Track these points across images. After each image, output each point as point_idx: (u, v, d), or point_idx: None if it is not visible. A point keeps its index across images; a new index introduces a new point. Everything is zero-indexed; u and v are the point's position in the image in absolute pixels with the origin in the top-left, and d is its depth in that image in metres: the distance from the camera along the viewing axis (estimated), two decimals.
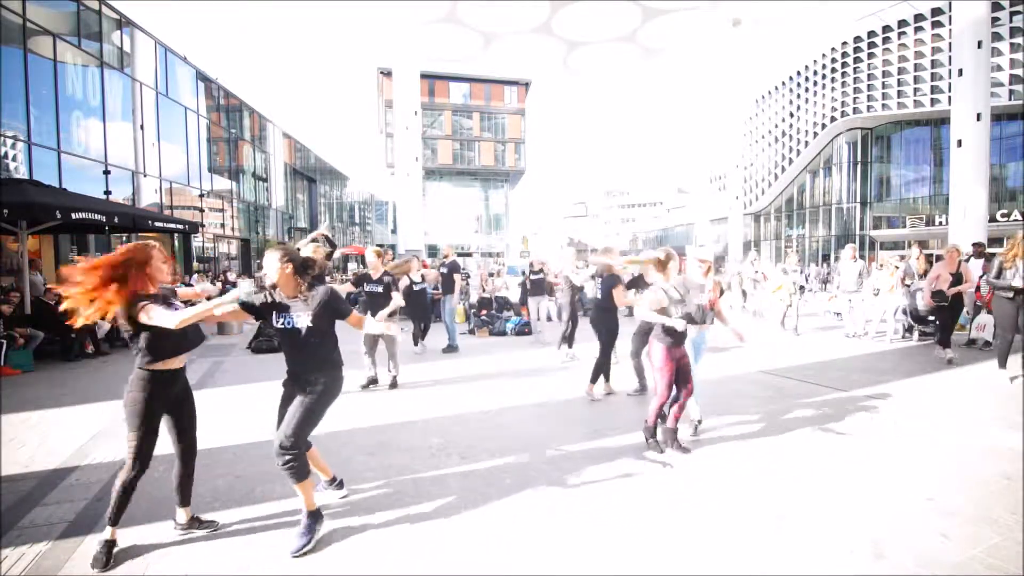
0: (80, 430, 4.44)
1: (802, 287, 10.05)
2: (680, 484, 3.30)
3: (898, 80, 34.19)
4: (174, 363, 2.65)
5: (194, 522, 2.76)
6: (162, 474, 3.48)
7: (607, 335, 5.32)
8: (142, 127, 16.64)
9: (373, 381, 5.84)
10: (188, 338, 2.66)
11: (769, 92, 45.25)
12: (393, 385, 5.83)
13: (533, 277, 9.52)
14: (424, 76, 24.44)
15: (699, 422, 4.22)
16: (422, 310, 8.32)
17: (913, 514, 2.86)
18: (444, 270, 8.56)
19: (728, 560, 2.48)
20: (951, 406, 4.89)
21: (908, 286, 8.55)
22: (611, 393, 5.45)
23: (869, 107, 36.00)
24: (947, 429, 4.26)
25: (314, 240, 5.46)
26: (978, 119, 14.17)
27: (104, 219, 8.08)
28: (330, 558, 2.52)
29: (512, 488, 3.25)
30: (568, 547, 2.60)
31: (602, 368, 5.33)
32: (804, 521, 2.81)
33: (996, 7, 25.61)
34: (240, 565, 2.47)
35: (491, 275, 14.10)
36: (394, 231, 33.11)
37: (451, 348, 8.11)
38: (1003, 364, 5.79)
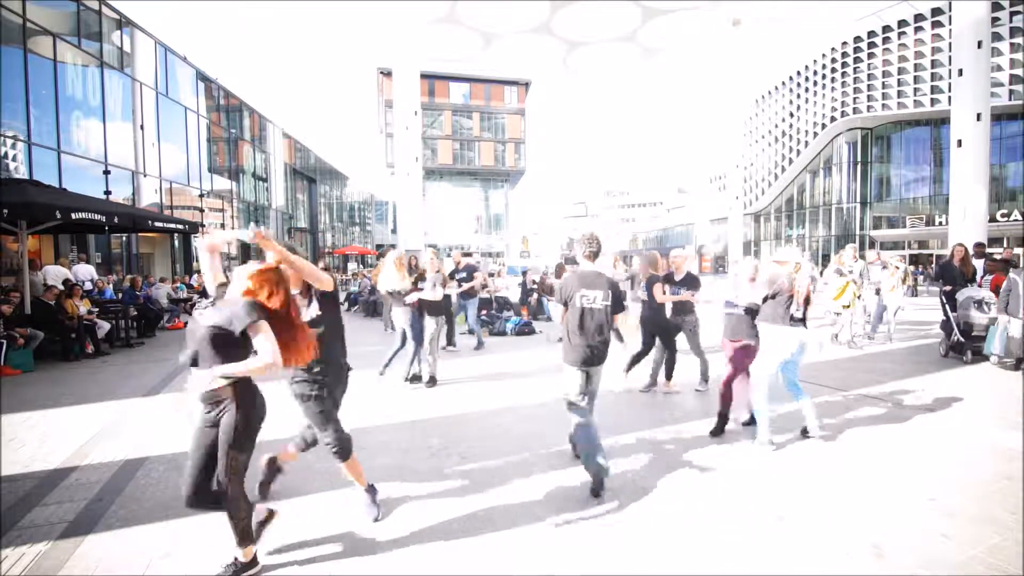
0: (80, 430, 4.44)
1: (858, 294, 8.38)
2: (680, 484, 3.30)
3: (898, 80, 34.21)
4: None
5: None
6: (162, 475, 3.48)
7: (664, 333, 5.43)
8: (142, 127, 16.65)
9: (417, 378, 6.01)
10: None
11: (769, 92, 45.28)
12: (431, 383, 5.91)
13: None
14: (424, 76, 24.42)
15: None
16: (447, 310, 8.49)
17: (913, 514, 2.87)
18: (463, 274, 8.59)
19: (728, 560, 2.47)
20: (951, 406, 4.89)
21: (949, 291, 7.19)
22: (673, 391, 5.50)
23: (869, 107, 36.03)
24: (947, 429, 4.26)
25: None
26: (978, 119, 14.15)
27: (104, 219, 8.08)
28: (329, 559, 2.52)
29: (512, 488, 3.25)
30: (568, 547, 2.60)
31: (672, 364, 5.46)
32: (804, 521, 2.81)
33: (996, 7, 25.61)
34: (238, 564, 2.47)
35: (491, 275, 14.09)
36: (394, 231, 33.12)
37: (480, 345, 8.46)
38: None
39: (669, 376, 5.49)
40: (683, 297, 5.28)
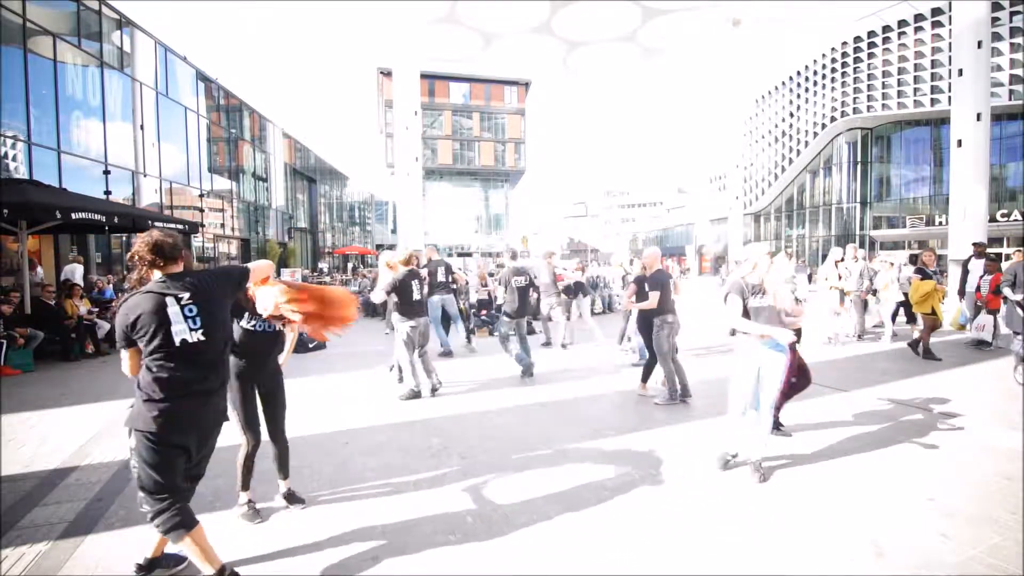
0: (80, 430, 4.44)
1: (943, 296, 7.21)
2: (679, 484, 3.30)
3: (898, 80, 34.20)
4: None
5: (291, 496, 3.06)
6: None
7: (649, 336, 5.30)
8: (142, 127, 16.63)
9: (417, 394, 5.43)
10: None
11: (769, 92, 45.26)
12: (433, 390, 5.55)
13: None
14: (424, 76, 24.41)
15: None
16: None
17: (913, 514, 2.87)
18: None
19: (729, 560, 2.48)
20: (951, 406, 4.89)
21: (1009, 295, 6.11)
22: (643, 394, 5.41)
23: (869, 107, 36.02)
24: (947, 429, 4.26)
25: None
26: (978, 119, 14.13)
27: (104, 219, 8.08)
28: (329, 558, 2.53)
29: (512, 488, 3.25)
30: (568, 547, 2.60)
31: (652, 367, 5.37)
32: (804, 521, 2.81)
33: (996, 7, 25.60)
34: (239, 565, 2.47)
35: (491, 275, 14.08)
36: (394, 231, 33.11)
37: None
38: None
39: (645, 378, 5.40)
40: (645, 306, 5.14)
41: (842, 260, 8.70)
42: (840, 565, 2.42)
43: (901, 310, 8.55)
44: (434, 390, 5.56)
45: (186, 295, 2.15)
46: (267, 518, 2.91)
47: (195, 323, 2.14)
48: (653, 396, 5.24)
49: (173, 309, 2.12)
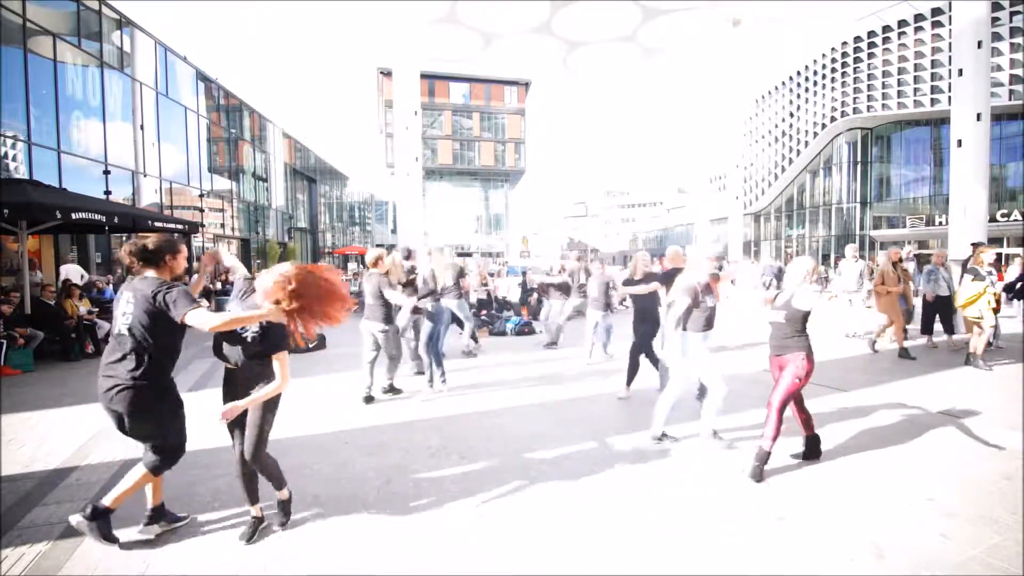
0: (80, 430, 4.43)
1: (998, 300, 6.64)
2: (680, 484, 3.30)
3: (898, 80, 34.23)
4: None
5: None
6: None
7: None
8: (142, 127, 16.63)
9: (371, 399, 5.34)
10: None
11: (769, 92, 45.29)
12: (394, 391, 5.51)
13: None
14: (424, 76, 24.38)
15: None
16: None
17: (913, 514, 2.87)
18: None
19: (729, 560, 2.48)
20: (950, 406, 4.89)
21: None
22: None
23: (869, 107, 36.04)
24: (946, 429, 4.26)
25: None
26: (978, 119, 14.11)
27: (104, 219, 8.08)
28: (330, 557, 2.52)
29: (512, 488, 3.25)
30: (568, 547, 2.60)
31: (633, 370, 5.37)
32: (804, 522, 2.81)
33: (996, 7, 25.62)
34: (238, 564, 2.47)
35: (491, 275, 14.08)
36: (394, 231, 33.10)
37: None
38: None
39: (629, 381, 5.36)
40: (640, 290, 5.19)
41: (901, 260, 7.90)
42: (840, 565, 2.42)
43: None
44: (368, 400, 5.24)
45: (130, 295, 2.53)
46: (264, 534, 2.76)
47: (125, 319, 2.51)
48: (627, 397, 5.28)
49: (120, 303, 2.56)
